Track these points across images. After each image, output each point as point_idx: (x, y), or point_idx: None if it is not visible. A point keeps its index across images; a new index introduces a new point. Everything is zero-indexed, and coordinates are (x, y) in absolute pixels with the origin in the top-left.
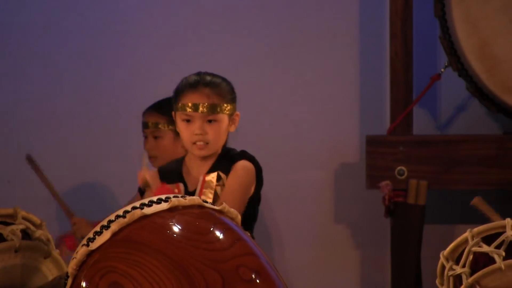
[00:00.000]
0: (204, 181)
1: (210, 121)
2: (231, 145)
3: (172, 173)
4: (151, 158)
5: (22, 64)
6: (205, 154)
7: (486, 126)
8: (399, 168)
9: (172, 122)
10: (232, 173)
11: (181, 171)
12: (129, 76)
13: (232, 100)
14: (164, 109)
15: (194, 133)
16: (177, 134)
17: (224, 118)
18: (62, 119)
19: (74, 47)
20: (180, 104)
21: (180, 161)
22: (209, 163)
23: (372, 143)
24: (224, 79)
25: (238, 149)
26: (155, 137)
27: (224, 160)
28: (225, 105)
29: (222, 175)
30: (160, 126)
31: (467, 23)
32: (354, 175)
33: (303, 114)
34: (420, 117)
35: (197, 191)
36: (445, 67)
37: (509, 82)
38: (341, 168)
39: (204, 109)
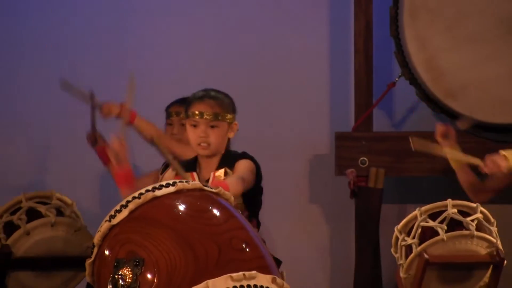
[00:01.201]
0: (214, 176)
1: (212, 126)
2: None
3: (188, 167)
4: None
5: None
6: (207, 154)
7: (431, 124)
8: (361, 158)
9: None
10: (237, 165)
11: (195, 166)
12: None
13: (232, 111)
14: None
15: (199, 136)
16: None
17: (224, 125)
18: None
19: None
20: (189, 113)
21: (194, 160)
22: (215, 162)
23: (340, 138)
24: (226, 95)
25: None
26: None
27: (228, 159)
28: (225, 114)
29: (229, 170)
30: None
31: (417, 41)
32: (325, 164)
33: (282, 114)
34: (379, 117)
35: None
36: (399, 76)
37: (450, 89)
38: (314, 158)
39: (208, 116)
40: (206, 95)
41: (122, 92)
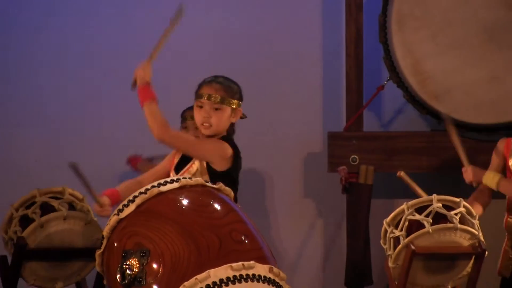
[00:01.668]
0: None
1: (216, 109)
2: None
3: None
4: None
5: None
6: (208, 133)
7: (418, 125)
8: (352, 156)
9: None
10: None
11: None
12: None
13: (238, 98)
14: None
15: (203, 116)
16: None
17: (227, 109)
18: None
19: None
20: (197, 94)
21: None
22: None
23: (332, 138)
24: (234, 83)
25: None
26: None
27: None
28: (230, 99)
29: None
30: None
31: (404, 47)
32: (319, 162)
33: (279, 115)
34: (369, 118)
35: (187, 167)
36: (387, 80)
37: (435, 92)
38: (308, 156)
39: (212, 98)
40: (214, 80)
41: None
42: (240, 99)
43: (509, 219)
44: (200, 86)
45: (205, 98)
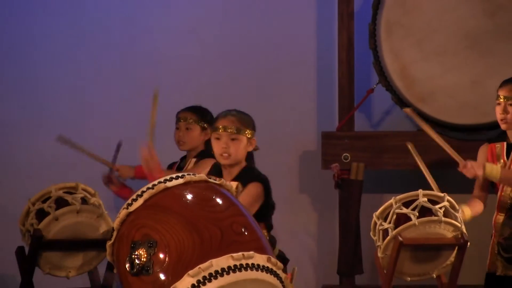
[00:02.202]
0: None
1: (233, 139)
2: None
3: (216, 173)
4: (182, 143)
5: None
6: (228, 163)
7: (404, 125)
8: (344, 154)
9: (199, 120)
10: (247, 188)
11: (221, 172)
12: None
13: (251, 128)
14: (197, 110)
15: (221, 147)
16: (202, 129)
17: (243, 139)
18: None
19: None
20: (214, 127)
21: (220, 169)
22: (234, 173)
23: (326, 137)
24: (246, 114)
25: None
26: (187, 129)
27: (245, 175)
28: (244, 130)
29: (240, 186)
30: (192, 121)
31: (392, 53)
32: (313, 160)
33: (276, 116)
34: (359, 119)
35: None
36: (377, 84)
37: (421, 94)
38: (303, 154)
39: (229, 130)
40: (229, 113)
41: (132, 98)
42: (254, 128)
43: (498, 215)
44: (216, 119)
45: (222, 130)
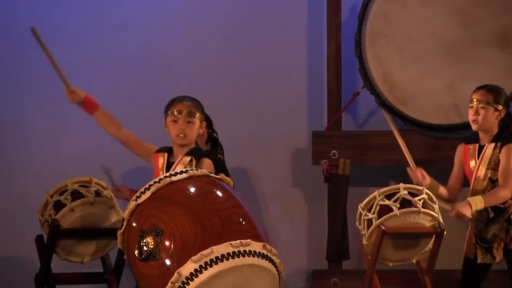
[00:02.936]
0: (181, 159)
1: (189, 122)
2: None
3: (163, 150)
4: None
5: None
6: (184, 143)
7: (387, 125)
8: (333, 151)
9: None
10: (202, 162)
11: (171, 150)
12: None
13: (202, 113)
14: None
15: (178, 129)
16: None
17: (196, 122)
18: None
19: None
20: (170, 111)
21: (171, 147)
22: (185, 150)
23: (316, 136)
24: (198, 101)
25: (221, 140)
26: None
27: (197, 152)
28: (198, 114)
29: (194, 160)
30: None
31: (376, 60)
32: (304, 156)
33: (270, 117)
34: (346, 119)
35: (175, 164)
36: (362, 87)
37: (402, 97)
38: (295, 152)
39: (186, 113)
40: (184, 98)
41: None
42: (203, 112)
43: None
44: (171, 104)
45: (178, 113)
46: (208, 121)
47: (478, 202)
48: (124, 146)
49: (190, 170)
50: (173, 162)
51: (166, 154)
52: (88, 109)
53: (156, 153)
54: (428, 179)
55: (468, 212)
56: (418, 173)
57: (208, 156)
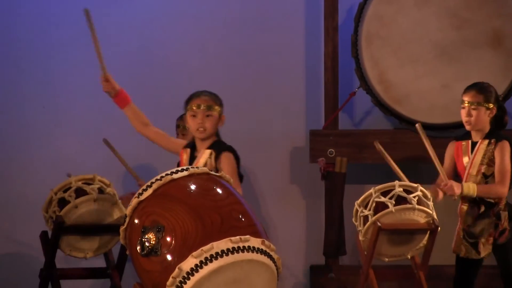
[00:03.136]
0: (203, 152)
1: (207, 116)
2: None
3: (188, 146)
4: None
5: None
6: (203, 137)
7: (383, 124)
8: (329, 150)
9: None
10: (222, 157)
11: (195, 145)
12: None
13: (220, 106)
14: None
15: (198, 123)
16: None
17: (216, 115)
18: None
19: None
20: (189, 106)
21: (193, 142)
22: (207, 144)
23: (313, 134)
24: (216, 95)
25: (225, 139)
26: (207, 116)
27: (218, 146)
28: (216, 107)
29: (213, 153)
30: (186, 127)
31: (371, 61)
32: (302, 154)
33: (269, 116)
34: (343, 118)
35: (197, 158)
36: (358, 87)
37: (397, 97)
38: (294, 150)
39: (204, 107)
40: (202, 93)
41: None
42: (222, 106)
43: (462, 206)
44: (190, 99)
45: (197, 107)
46: None
47: (471, 188)
48: (153, 142)
49: (191, 168)
50: (196, 156)
51: (189, 150)
52: (119, 103)
53: (182, 150)
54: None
55: (457, 191)
56: (449, 184)
57: (229, 150)
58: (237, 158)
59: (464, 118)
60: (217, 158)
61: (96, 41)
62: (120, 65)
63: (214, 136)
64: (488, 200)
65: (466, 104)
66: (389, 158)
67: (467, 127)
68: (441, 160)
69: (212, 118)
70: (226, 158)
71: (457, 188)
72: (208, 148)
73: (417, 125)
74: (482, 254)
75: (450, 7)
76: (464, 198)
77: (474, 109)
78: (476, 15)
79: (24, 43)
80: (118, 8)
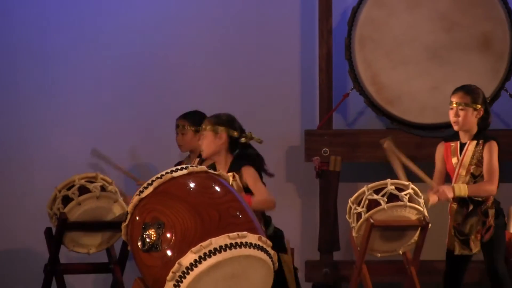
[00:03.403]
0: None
1: (204, 136)
2: None
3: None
4: (180, 147)
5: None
6: (204, 157)
7: (375, 124)
8: (324, 149)
9: (191, 125)
10: (244, 173)
11: (214, 166)
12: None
13: (214, 124)
14: (188, 116)
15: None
16: (195, 133)
17: (207, 134)
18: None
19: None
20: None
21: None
22: (223, 165)
23: (308, 134)
24: (214, 115)
25: None
26: (182, 134)
27: (235, 165)
28: (209, 126)
29: (235, 175)
30: (185, 127)
31: (364, 63)
32: (298, 153)
33: (267, 117)
34: (337, 119)
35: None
36: (352, 89)
37: (389, 98)
38: (289, 149)
39: (204, 129)
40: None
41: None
42: (223, 125)
43: (452, 205)
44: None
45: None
46: (240, 129)
47: (462, 189)
48: None
49: (190, 166)
50: None
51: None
52: None
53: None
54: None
55: (450, 194)
56: (441, 190)
57: (245, 164)
58: (257, 166)
59: (452, 118)
60: (240, 175)
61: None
62: (120, 65)
63: (224, 153)
64: (476, 199)
65: (454, 105)
66: (398, 157)
67: (455, 128)
68: (433, 159)
69: (204, 137)
70: (246, 173)
71: (449, 192)
72: (229, 170)
73: (385, 145)
74: (474, 250)
75: (440, 11)
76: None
77: (461, 109)
78: (465, 18)
79: (25, 44)
80: (119, 8)
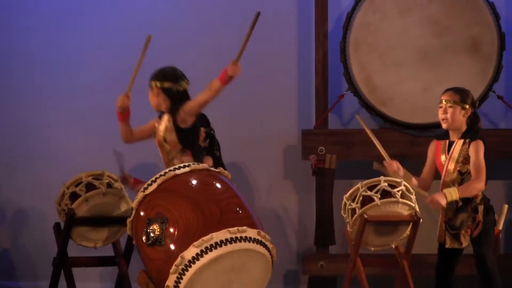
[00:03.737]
0: (162, 118)
1: None
2: None
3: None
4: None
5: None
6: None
7: (369, 124)
8: (320, 147)
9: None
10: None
11: None
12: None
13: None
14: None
15: None
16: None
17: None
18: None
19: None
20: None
21: None
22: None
23: (305, 133)
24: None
25: (219, 137)
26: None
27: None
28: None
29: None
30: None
31: (358, 65)
32: (295, 152)
33: (266, 117)
34: (332, 119)
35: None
36: (346, 90)
37: (382, 99)
38: (287, 147)
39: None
40: None
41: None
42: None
43: None
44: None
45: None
46: (205, 120)
47: (453, 194)
48: (143, 140)
49: (192, 164)
50: None
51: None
52: (122, 117)
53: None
54: (402, 171)
55: (443, 202)
56: (394, 164)
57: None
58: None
59: (440, 116)
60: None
61: (140, 64)
62: (121, 65)
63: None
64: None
65: (443, 103)
66: (369, 131)
67: (444, 125)
68: (424, 158)
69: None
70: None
71: (441, 199)
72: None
73: (356, 116)
74: (464, 244)
75: (431, 16)
76: None
77: (450, 107)
78: (455, 23)
79: (30, 45)
80: (119, 8)
